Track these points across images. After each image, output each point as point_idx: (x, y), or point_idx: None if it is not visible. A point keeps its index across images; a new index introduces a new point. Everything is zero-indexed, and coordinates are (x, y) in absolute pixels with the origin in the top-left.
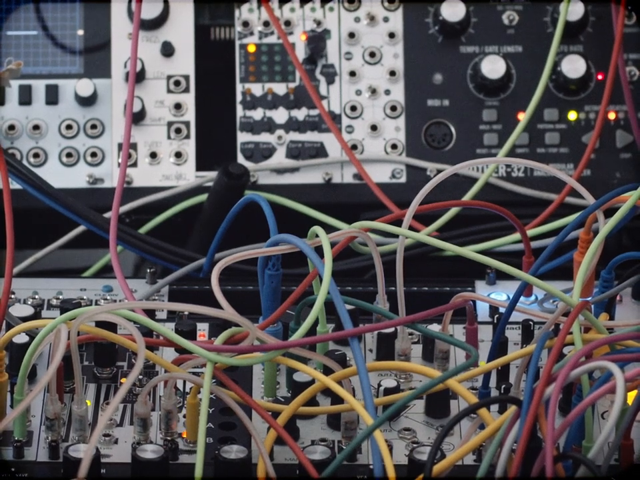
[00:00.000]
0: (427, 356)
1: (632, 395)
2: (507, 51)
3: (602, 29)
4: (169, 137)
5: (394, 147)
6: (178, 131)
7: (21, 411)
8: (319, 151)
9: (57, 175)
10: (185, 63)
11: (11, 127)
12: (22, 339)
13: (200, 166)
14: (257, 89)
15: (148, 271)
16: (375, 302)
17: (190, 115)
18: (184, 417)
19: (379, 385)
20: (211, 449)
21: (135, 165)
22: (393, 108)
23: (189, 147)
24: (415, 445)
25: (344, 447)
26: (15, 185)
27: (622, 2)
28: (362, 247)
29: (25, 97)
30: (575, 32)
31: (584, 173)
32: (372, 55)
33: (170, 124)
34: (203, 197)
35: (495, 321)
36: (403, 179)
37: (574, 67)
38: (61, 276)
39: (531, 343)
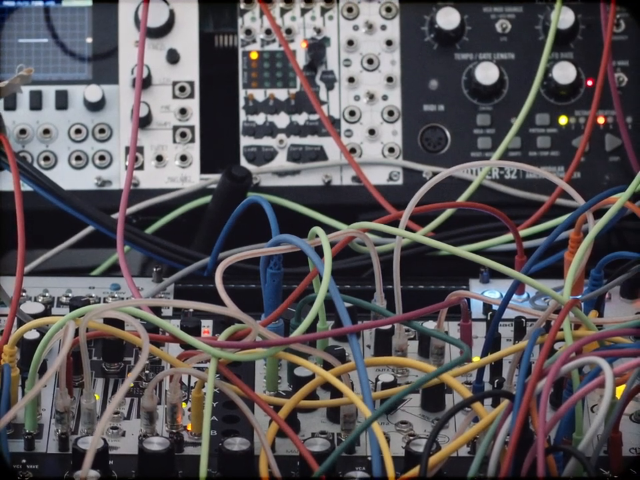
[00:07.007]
0: (422, 352)
1: (620, 389)
2: (500, 57)
3: (592, 36)
4: (174, 141)
5: (391, 150)
6: (183, 135)
7: (30, 398)
8: (319, 154)
9: (66, 177)
10: (189, 69)
11: (22, 131)
12: (33, 335)
13: (204, 169)
14: (259, 95)
15: (154, 269)
16: (372, 300)
17: (195, 119)
18: (189, 410)
19: (377, 380)
20: (214, 441)
21: (141, 167)
22: (390, 113)
23: (194, 151)
24: (411, 438)
25: (343, 440)
26: (26, 187)
27: (612, 7)
28: (360, 246)
29: (36, 102)
30: (565, 39)
31: (574, 175)
32: (370, 61)
33: (175, 128)
34: (207, 199)
35: (489, 318)
36: (400, 181)
37: (564, 73)
38: (70, 275)
39: (523, 339)
